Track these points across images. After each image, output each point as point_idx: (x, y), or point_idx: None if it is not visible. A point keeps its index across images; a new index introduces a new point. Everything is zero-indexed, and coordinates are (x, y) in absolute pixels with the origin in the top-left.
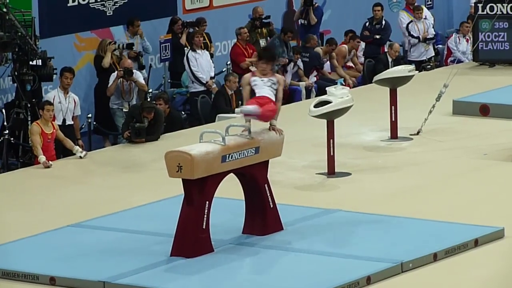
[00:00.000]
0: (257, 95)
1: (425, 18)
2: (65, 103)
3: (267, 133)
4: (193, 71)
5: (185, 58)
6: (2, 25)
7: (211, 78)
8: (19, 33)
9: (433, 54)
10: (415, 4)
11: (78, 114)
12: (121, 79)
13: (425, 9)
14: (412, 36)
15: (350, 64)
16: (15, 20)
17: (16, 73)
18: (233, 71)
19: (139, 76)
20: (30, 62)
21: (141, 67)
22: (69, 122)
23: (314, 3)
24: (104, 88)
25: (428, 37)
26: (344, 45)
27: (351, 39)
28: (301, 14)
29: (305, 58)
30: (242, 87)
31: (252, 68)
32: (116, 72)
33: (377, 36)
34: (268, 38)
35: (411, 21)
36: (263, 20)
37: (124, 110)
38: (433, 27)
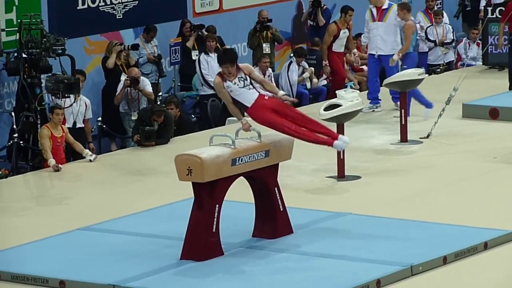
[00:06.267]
0: (237, 98)
1: (446, 23)
2: (76, 106)
3: (277, 137)
4: (203, 74)
5: (196, 60)
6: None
7: None
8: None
9: (453, 58)
10: (435, 9)
11: (90, 117)
12: (128, 88)
13: (444, 14)
14: (429, 40)
15: (359, 66)
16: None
17: (25, 76)
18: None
19: (146, 84)
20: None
21: (161, 74)
22: (79, 125)
23: (322, 5)
24: (112, 90)
25: (445, 41)
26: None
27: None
28: (309, 16)
29: (312, 61)
30: (219, 91)
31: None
32: (123, 81)
33: None
34: (276, 42)
35: (431, 25)
36: (263, 24)
37: (132, 117)
38: (452, 32)
